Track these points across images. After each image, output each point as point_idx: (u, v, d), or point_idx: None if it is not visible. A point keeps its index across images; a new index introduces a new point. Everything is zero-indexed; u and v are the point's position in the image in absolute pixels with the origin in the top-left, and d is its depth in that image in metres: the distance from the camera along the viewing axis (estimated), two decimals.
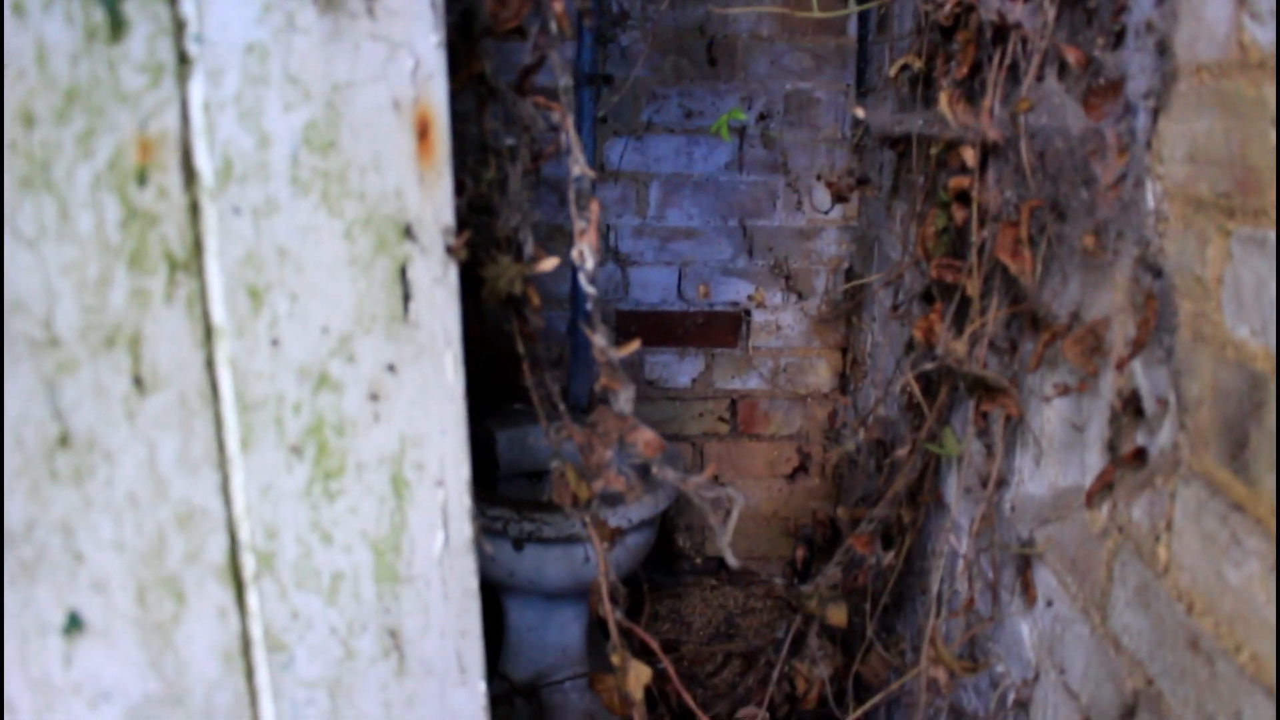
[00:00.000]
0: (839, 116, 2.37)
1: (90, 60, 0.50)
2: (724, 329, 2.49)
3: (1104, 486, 0.97)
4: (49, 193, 0.49)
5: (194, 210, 0.56)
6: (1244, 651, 0.74)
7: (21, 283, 0.48)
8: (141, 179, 0.53)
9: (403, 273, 0.71)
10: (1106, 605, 0.98)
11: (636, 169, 2.38)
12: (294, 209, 0.62)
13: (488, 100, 0.95)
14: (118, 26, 0.51)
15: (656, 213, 2.41)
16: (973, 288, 1.13)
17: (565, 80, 0.92)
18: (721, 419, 2.55)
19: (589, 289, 0.97)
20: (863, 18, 2.28)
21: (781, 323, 2.49)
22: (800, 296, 2.47)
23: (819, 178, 2.38)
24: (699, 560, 2.63)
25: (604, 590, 1.13)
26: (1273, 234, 0.71)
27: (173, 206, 0.55)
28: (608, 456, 1.01)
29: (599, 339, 0.97)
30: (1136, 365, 0.91)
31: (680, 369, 2.51)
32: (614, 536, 1.38)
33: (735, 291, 2.47)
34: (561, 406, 1.08)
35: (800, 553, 1.81)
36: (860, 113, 1.28)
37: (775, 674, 1.48)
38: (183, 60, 0.55)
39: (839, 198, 1.97)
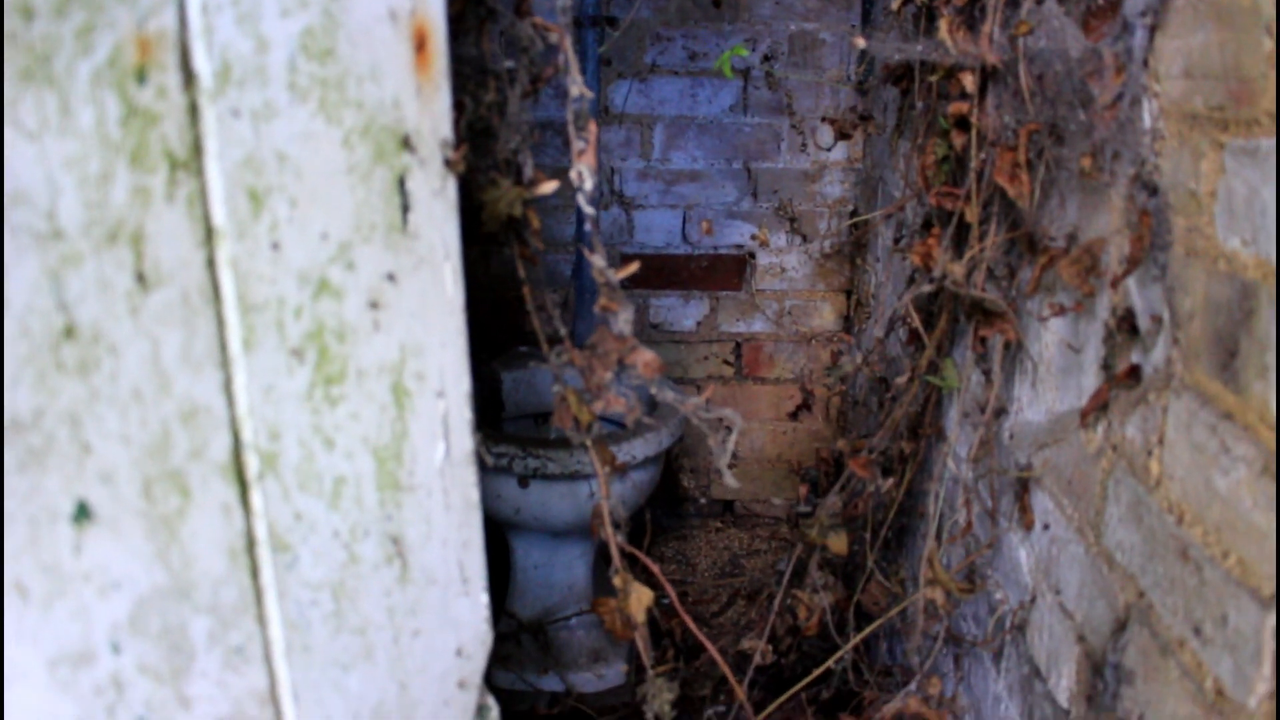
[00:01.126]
0: (844, 57, 2.35)
1: None
2: (728, 272, 2.50)
3: (1099, 406, 0.98)
4: (50, 87, 0.50)
5: (193, 111, 0.57)
6: (1231, 556, 0.75)
7: (24, 174, 0.49)
8: (141, 77, 0.54)
9: (401, 183, 0.72)
10: (1101, 523, 0.99)
11: (641, 111, 2.38)
12: (292, 115, 0.63)
13: (486, 21, 0.95)
14: None
15: (661, 155, 2.41)
16: (971, 213, 1.13)
17: (563, 0, 0.92)
18: (726, 362, 2.57)
19: (588, 209, 0.97)
20: None
21: (786, 265, 2.49)
22: (804, 239, 2.47)
23: (824, 119, 2.37)
24: (704, 502, 2.65)
25: (605, 514, 1.15)
26: (1265, 142, 0.72)
27: (172, 106, 0.56)
28: (607, 378, 1.02)
29: (598, 259, 0.98)
30: (1131, 283, 0.92)
31: (685, 312, 2.52)
32: (615, 463, 1.39)
33: (740, 234, 2.47)
34: (563, 330, 1.09)
35: (804, 491, 1.82)
36: (861, 42, 1.28)
37: (776, 604, 1.50)
38: None
39: (842, 135, 1.97)
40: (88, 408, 0.53)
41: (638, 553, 1.18)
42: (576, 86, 0.94)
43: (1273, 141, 0.71)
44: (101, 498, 0.54)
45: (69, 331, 0.52)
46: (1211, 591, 0.78)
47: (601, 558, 2.19)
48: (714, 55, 2.35)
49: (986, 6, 1.13)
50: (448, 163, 0.76)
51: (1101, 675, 0.97)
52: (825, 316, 2.53)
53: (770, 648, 1.61)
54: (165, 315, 0.56)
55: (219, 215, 0.59)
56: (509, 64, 0.97)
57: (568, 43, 0.93)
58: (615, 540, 1.14)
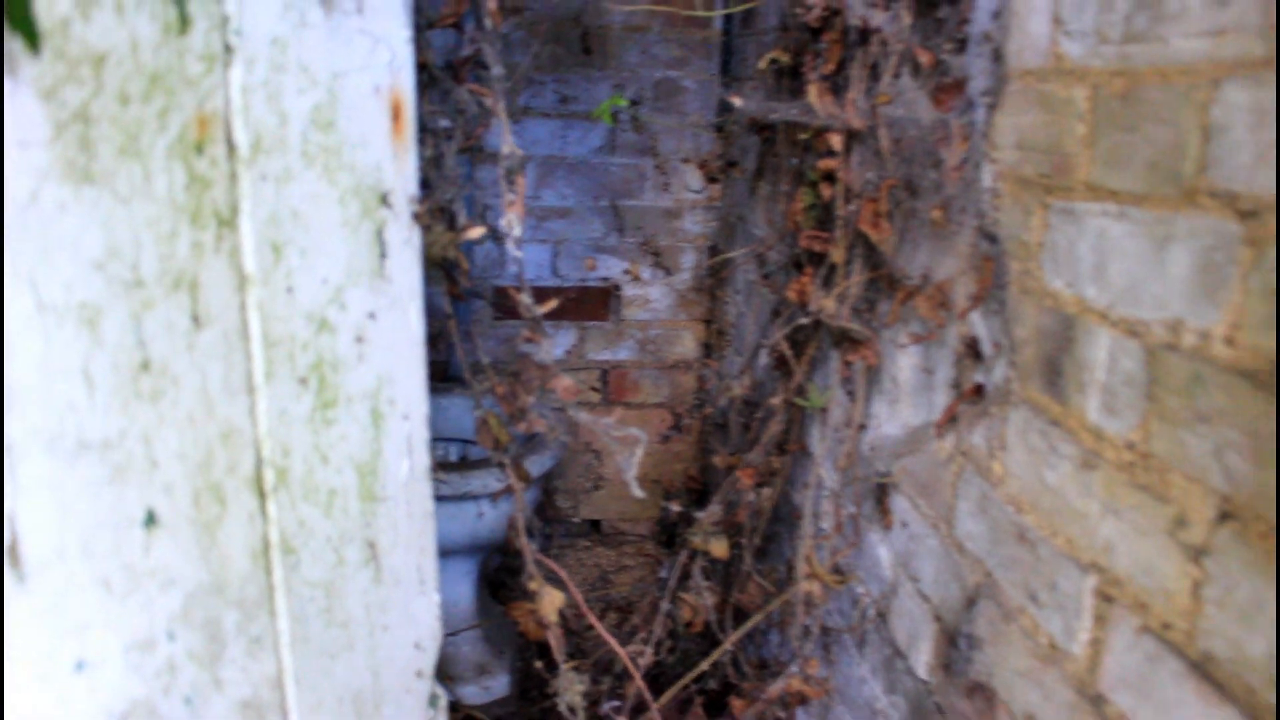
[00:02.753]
0: (705, 103, 2.54)
1: (167, 50, 0.61)
2: (596, 303, 2.64)
3: (950, 419, 1.16)
4: (137, 160, 0.60)
5: (233, 177, 0.67)
6: (1059, 536, 0.93)
7: (118, 234, 0.59)
8: (199, 150, 0.64)
9: (380, 235, 0.84)
10: (952, 518, 1.17)
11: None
12: (304, 178, 0.74)
13: (428, 87, 1.07)
14: (185, 22, 0.62)
15: (533, 193, 2.54)
16: (838, 255, 1.31)
17: (498, 69, 1.05)
18: (594, 389, 2.70)
19: (516, 253, 1.10)
20: (728, 17, 2.45)
21: (650, 297, 2.65)
22: (668, 272, 2.64)
23: (686, 160, 2.55)
24: (575, 522, 2.77)
25: (520, 525, 1.26)
26: (1080, 205, 0.91)
27: (220, 173, 0.66)
28: (530, 402, 1.14)
29: (525, 297, 1.11)
30: (975, 316, 1.10)
31: (554, 342, 2.64)
32: (528, 479, 1.50)
33: (607, 267, 2.62)
34: (485, 360, 1.21)
35: (675, 507, 1.97)
36: (738, 101, 1.44)
37: (663, 608, 1.64)
38: (227, 50, 0.66)
39: (711, 179, 2.14)
40: (156, 429, 0.63)
41: (547, 560, 1.30)
42: (508, 145, 1.07)
43: (1087, 204, 0.90)
44: (164, 507, 0.64)
45: (145, 365, 0.62)
46: (1045, 565, 0.96)
47: (485, 578, 2.29)
48: (584, 99, 2.50)
49: (850, 77, 1.32)
50: (415, 216, 0.88)
51: (956, 645, 1.15)
52: (687, 345, 2.70)
53: (653, 652, 1.75)
54: (212, 350, 0.67)
55: (250, 264, 0.70)
56: (444, 123, 1.09)
57: (501, 107, 1.06)
58: (530, 549, 1.26)
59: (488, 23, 1.03)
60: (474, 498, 1.93)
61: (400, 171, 0.86)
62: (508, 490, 1.63)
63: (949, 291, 1.15)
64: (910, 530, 1.29)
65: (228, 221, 0.67)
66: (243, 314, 0.70)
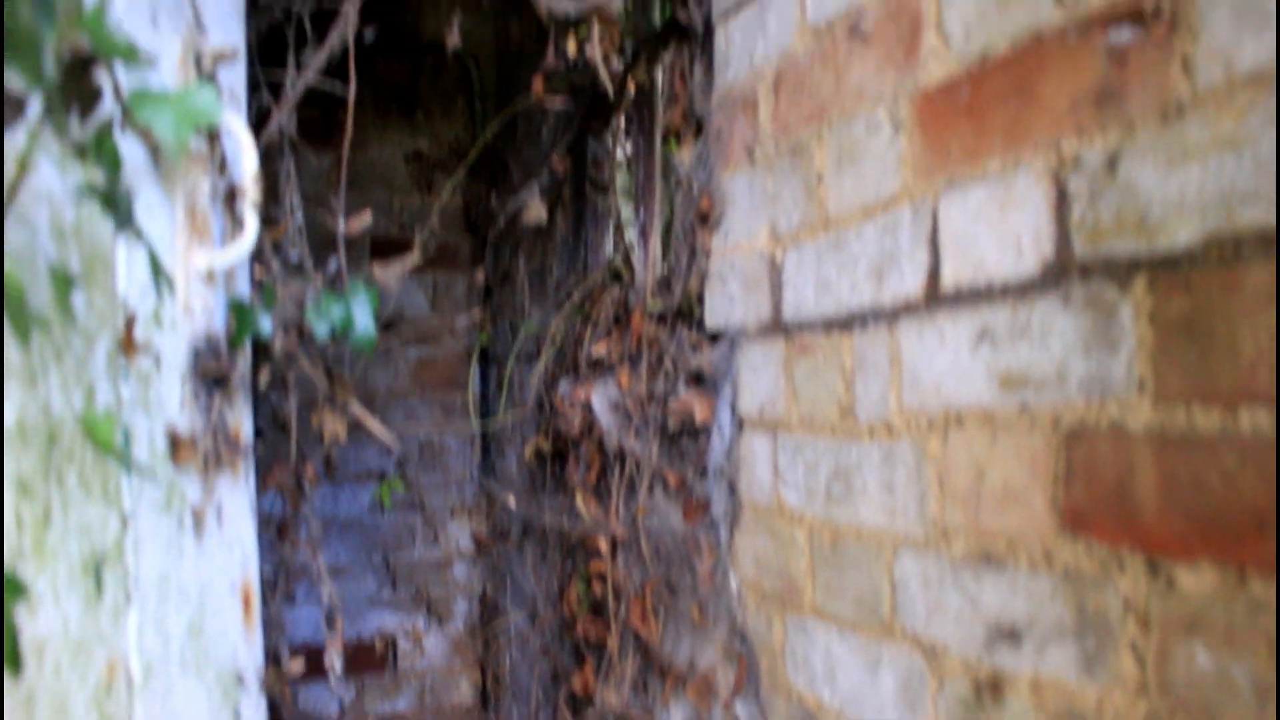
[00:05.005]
0: (466, 460, 2.75)
1: (88, 617, 0.74)
2: (372, 656, 2.69)
3: None
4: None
5: (130, 707, 0.79)
6: None
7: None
8: (109, 691, 0.76)
9: (236, 711, 0.96)
10: None
11: (286, 516, 2.60)
12: (181, 684, 0.86)
13: None
14: (100, 588, 0.76)
15: (306, 555, 2.62)
16: (613, 645, 1.50)
17: (315, 527, 1.21)
18: None
19: (336, 669, 1.22)
20: (484, 377, 2.72)
21: (425, 646, 2.74)
22: (441, 621, 2.75)
23: (453, 513, 2.73)
24: None
25: None
26: (810, 621, 1.14)
27: (121, 709, 0.78)
28: None
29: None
30: (738, 702, 1.31)
31: (332, 699, 2.66)
32: None
33: (382, 620, 2.70)
34: None
35: None
36: (513, 502, 1.65)
37: None
38: (127, 599, 0.79)
39: (483, 547, 2.32)
40: None
41: None
42: (328, 593, 1.21)
43: (816, 622, 1.14)
44: None
45: None
46: None
47: None
48: (352, 462, 2.65)
49: (610, 487, 1.56)
50: (262, 684, 1.01)
51: None
52: (464, 691, 2.78)
53: None
54: None
55: None
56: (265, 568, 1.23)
57: (320, 558, 1.21)
58: None
59: (307, 487, 1.19)
60: None
61: (250, 649, 0.99)
62: None
63: (713, 680, 1.36)
64: None
65: None
66: None
